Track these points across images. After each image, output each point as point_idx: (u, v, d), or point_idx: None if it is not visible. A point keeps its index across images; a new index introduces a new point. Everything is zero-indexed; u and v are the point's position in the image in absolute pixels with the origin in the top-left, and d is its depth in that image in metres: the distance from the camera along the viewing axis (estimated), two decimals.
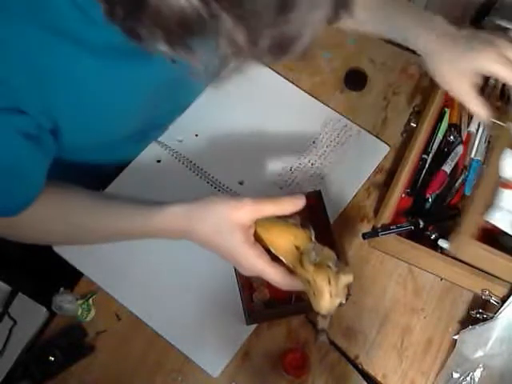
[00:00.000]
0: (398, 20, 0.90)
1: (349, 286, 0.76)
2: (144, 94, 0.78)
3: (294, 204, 0.75)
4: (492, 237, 0.86)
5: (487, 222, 0.86)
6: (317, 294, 0.70)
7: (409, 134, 1.01)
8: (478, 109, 0.86)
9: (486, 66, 0.83)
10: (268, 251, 0.76)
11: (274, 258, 0.76)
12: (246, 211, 0.74)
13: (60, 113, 0.69)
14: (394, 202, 0.91)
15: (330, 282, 0.69)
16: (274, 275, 0.75)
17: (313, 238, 0.75)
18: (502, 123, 0.90)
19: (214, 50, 0.50)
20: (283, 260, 0.76)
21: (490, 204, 0.86)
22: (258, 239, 0.76)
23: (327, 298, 0.70)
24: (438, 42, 0.86)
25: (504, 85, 0.93)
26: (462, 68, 0.85)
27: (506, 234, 0.86)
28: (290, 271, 0.75)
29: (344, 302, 0.71)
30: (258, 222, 0.77)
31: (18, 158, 0.69)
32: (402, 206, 0.93)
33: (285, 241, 0.75)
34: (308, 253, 0.72)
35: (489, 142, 0.96)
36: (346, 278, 0.71)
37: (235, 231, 0.74)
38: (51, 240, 0.88)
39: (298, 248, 0.74)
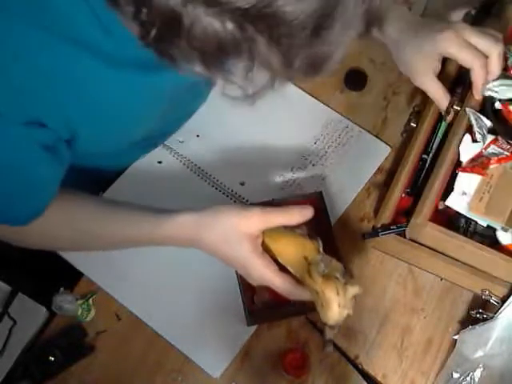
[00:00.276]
0: None
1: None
2: (156, 103, 0.77)
3: (301, 214, 0.75)
4: (451, 220, 0.87)
5: (444, 205, 0.87)
6: (325, 305, 0.71)
7: (409, 134, 1.01)
8: (441, 97, 0.88)
9: (447, 47, 0.84)
10: (276, 261, 0.77)
11: (282, 268, 0.77)
12: (254, 221, 0.74)
13: (78, 124, 0.68)
14: (394, 201, 0.91)
15: (338, 293, 0.70)
16: (283, 285, 0.75)
17: (321, 250, 0.76)
18: (458, 108, 0.91)
19: (249, 71, 0.50)
20: (291, 270, 0.76)
21: (447, 187, 0.87)
22: (265, 249, 0.77)
23: (335, 309, 0.70)
24: (404, 30, 0.88)
25: (461, 68, 0.92)
26: (425, 52, 0.86)
27: (462, 215, 0.86)
28: (298, 281, 0.76)
29: (351, 313, 0.72)
30: (266, 232, 0.77)
31: (36, 170, 0.69)
32: (402, 205, 0.93)
33: (293, 251, 0.76)
34: (316, 264, 0.73)
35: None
36: (354, 290, 0.71)
37: (243, 241, 0.74)
38: (58, 246, 0.88)
39: (305, 258, 0.74)
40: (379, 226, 0.90)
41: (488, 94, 0.89)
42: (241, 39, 0.46)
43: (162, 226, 0.78)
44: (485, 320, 0.87)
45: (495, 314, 0.86)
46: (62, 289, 0.90)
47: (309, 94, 1.07)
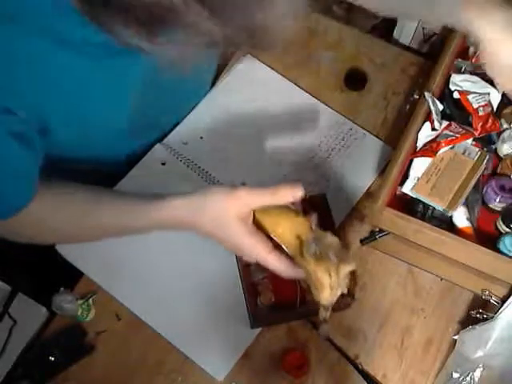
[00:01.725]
0: (457, 9, 0.82)
1: (355, 278, 0.74)
2: (125, 87, 0.77)
3: (291, 194, 0.74)
4: (410, 205, 0.89)
5: (401, 191, 0.88)
6: (317, 286, 0.70)
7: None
8: None
9: None
10: (271, 238, 0.76)
11: (277, 246, 0.75)
12: (242, 202, 0.74)
13: (45, 110, 0.69)
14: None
15: (330, 275, 0.69)
16: (276, 263, 0.74)
17: (313, 226, 0.74)
18: (417, 96, 0.93)
19: (187, 40, 0.50)
20: (284, 248, 0.75)
21: (404, 174, 0.89)
22: (259, 226, 0.76)
23: (327, 290, 0.70)
24: (501, 33, 0.81)
25: None
26: None
27: (419, 201, 0.88)
28: (292, 259, 0.75)
29: (345, 291, 0.71)
30: (259, 210, 0.76)
31: (8, 158, 0.69)
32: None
33: (285, 229, 0.75)
34: (308, 244, 0.72)
35: None
36: (347, 268, 0.70)
37: (233, 222, 0.74)
38: (54, 239, 0.88)
39: (298, 237, 0.73)
40: (377, 229, 0.90)
41: (453, 88, 0.93)
42: (178, 5, 0.46)
43: (156, 210, 0.78)
44: (485, 320, 0.87)
45: (495, 314, 0.86)
46: (61, 289, 0.90)
47: (309, 94, 1.07)
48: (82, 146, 0.82)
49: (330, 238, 0.73)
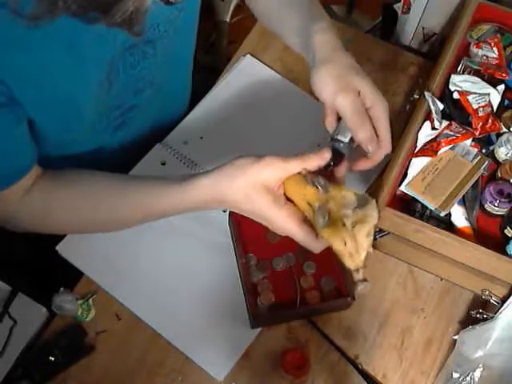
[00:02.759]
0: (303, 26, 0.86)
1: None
2: (78, 64, 0.75)
3: (320, 157, 0.74)
4: (408, 205, 0.89)
5: (400, 190, 0.89)
6: (339, 255, 0.68)
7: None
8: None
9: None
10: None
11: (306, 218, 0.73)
12: (271, 171, 0.73)
13: (13, 81, 0.69)
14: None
15: (345, 244, 0.67)
16: (303, 237, 0.73)
17: (321, 192, 0.71)
18: (417, 96, 0.94)
19: None
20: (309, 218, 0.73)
21: (406, 174, 0.90)
22: (289, 198, 0.74)
23: (348, 259, 0.68)
24: (331, 53, 0.83)
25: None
26: (346, 83, 0.80)
27: (417, 200, 0.88)
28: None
29: (371, 250, 0.69)
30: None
31: None
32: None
33: (298, 199, 0.73)
34: (317, 216, 0.70)
35: None
36: (364, 229, 0.68)
37: (263, 194, 0.73)
38: (77, 227, 0.88)
39: (310, 205, 0.71)
40: (377, 229, 0.90)
41: (453, 88, 0.93)
42: None
43: (186, 192, 0.76)
44: (485, 320, 0.87)
45: (495, 314, 0.86)
46: (61, 289, 0.90)
47: (312, 95, 1.07)
48: (68, 143, 0.84)
49: (345, 193, 0.70)
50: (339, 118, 0.81)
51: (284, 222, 0.73)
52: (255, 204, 0.73)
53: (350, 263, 0.69)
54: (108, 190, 0.82)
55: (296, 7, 0.89)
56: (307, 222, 0.74)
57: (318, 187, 0.72)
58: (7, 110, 0.71)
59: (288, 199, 0.75)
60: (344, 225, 0.68)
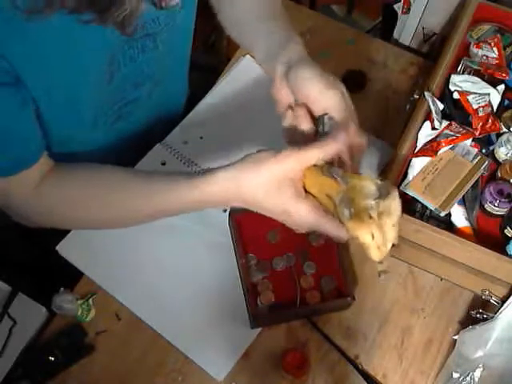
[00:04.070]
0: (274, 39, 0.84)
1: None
2: (94, 57, 0.76)
3: (336, 142, 0.71)
4: (409, 205, 0.89)
5: (400, 190, 0.88)
6: (365, 248, 0.67)
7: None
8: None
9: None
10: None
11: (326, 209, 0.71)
12: (292, 161, 0.71)
13: (17, 63, 0.68)
14: None
15: (373, 236, 0.65)
16: (330, 227, 0.71)
17: (339, 181, 0.69)
18: (417, 96, 0.93)
19: None
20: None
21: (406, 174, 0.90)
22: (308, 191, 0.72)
23: (375, 251, 0.66)
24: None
25: None
26: (331, 81, 0.78)
27: (418, 201, 0.88)
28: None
29: (396, 241, 0.67)
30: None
31: None
32: None
33: (316, 191, 0.71)
34: (340, 208, 0.67)
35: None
36: (391, 219, 0.66)
37: (289, 186, 0.71)
38: (87, 225, 0.87)
39: (330, 198, 0.69)
40: None
41: (453, 88, 0.93)
42: None
43: (209, 186, 0.74)
44: (485, 320, 0.87)
45: (495, 314, 0.86)
46: (62, 289, 0.90)
47: None
48: (68, 139, 0.84)
49: (364, 183, 0.68)
50: (314, 118, 0.78)
51: (310, 214, 0.71)
52: (275, 197, 0.71)
53: (376, 255, 0.67)
54: (121, 192, 0.80)
55: (267, 21, 0.87)
56: (330, 214, 0.71)
57: (336, 178, 0.69)
58: (14, 90, 0.70)
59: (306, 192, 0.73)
60: (370, 217, 0.66)
